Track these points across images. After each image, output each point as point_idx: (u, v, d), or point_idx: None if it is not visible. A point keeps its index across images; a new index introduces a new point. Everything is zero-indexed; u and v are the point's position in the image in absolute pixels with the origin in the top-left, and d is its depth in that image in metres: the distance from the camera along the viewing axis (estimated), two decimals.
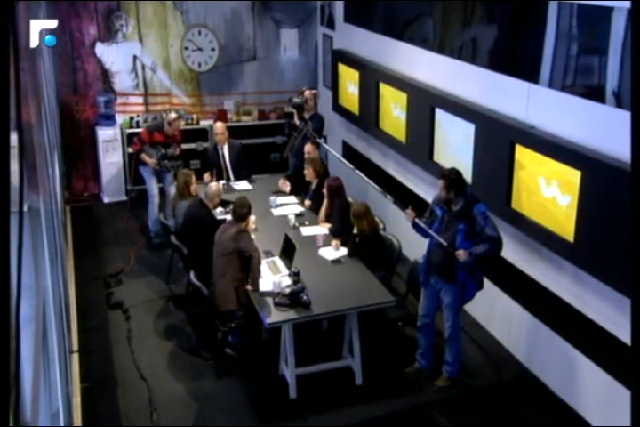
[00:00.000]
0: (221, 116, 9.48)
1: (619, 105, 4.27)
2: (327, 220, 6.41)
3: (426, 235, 5.08)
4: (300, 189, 7.19)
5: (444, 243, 4.88)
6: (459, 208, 4.88)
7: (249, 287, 5.26)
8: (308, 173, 6.77)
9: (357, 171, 6.30)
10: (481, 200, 4.93)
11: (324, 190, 6.32)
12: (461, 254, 4.82)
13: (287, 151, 7.99)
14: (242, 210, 5.41)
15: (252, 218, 6.38)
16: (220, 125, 7.82)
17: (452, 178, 4.86)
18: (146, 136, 7.63)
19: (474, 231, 4.83)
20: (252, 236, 6.00)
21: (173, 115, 7.74)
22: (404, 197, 6.72)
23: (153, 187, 7.82)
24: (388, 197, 5.67)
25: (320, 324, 5.86)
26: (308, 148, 7.08)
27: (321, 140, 7.46)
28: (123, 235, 8.12)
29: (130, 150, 8.23)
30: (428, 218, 5.11)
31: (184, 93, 9.53)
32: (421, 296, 5.31)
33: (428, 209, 5.18)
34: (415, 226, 5.13)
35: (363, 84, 7.81)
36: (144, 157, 7.63)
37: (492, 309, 6.00)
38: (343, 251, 5.83)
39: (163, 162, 7.65)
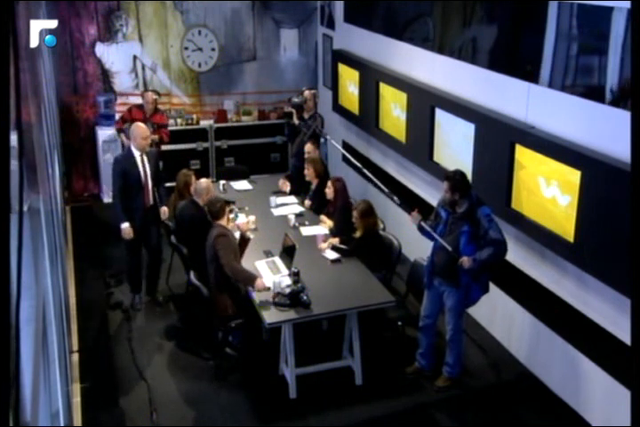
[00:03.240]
0: (221, 116, 9.49)
1: (619, 105, 4.27)
2: (329, 218, 6.40)
3: (431, 238, 5.07)
4: (299, 189, 7.19)
5: (449, 248, 4.87)
6: (463, 210, 4.87)
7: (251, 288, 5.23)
8: (309, 173, 6.77)
9: (365, 170, 6.28)
10: (483, 201, 4.93)
11: (328, 190, 6.29)
12: (465, 262, 4.81)
13: (296, 146, 7.86)
14: (215, 206, 5.39)
15: (252, 218, 6.39)
16: (145, 128, 6.30)
17: (456, 179, 4.85)
18: (127, 114, 7.69)
19: (478, 234, 4.81)
20: (252, 236, 6.00)
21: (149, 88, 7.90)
22: (404, 197, 6.72)
23: None
24: (395, 198, 5.65)
25: (320, 324, 5.86)
26: (308, 148, 7.08)
27: (328, 137, 7.39)
28: None
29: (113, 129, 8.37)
30: (434, 220, 5.10)
31: (184, 93, 9.53)
32: (424, 297, 5.30)
33: (434, 211, 5.17)
34: (421, 229, 5.12)
35: (363, 84, 7.81)
36: (122, 137, 7.63)
37: (493, 309, 6.00)
38: (336, 254, 5.81)
39: None
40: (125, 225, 6.05)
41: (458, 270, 4.89)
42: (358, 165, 6.41)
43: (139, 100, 9.25)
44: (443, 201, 5.01)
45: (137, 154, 6.10)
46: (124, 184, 6.05)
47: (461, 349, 5.32)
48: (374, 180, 6.10)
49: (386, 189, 5.86)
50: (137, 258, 6.44)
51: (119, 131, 7.73)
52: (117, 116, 8.30)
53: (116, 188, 6.10)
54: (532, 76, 5.00)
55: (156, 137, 7.53)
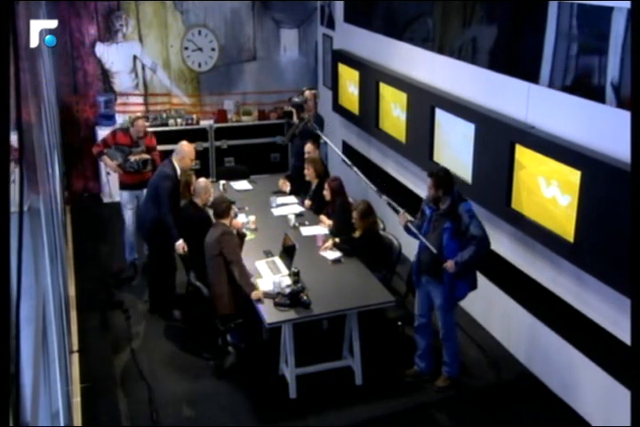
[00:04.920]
0: (221, 116, 9.49)
1: (619, 105, 4.27)
2: (328, 218, 6.41)
3: (418, 238, 5.12)
4: (300, 189, 7.19)
5: (435, 251, 4.91)
6: (446, 207, 4.90)
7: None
8: (309, 173, 6.77)
9: (355, 168, 6.29)
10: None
11: (325, 192, 6.31)
12: (449, 266, 4.85)
13: (287, 138, 7.74)
14: (221, 206, 5.40)
15: (252, 218, 6.39)
16: (193, 148, 6.40)
17: (440, 176, 4.89)
18: (110, 138, 6.95)
19: (460, 229, 4.84)
20: (252, 236, 6.01)
21: (138, 114, 6.98)
22: (404, 197, 6.72)
23: (125, 202, 7.05)
24: (383, 197, 5.65)
25: (320, 324, 5.86)
26: (308, 148, 7.07)
27: (323, 135, 7.29)
28: (123, 235, 8.12)
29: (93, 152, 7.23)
30: (419, 219, 5.13)
31: (184, 93, 9.53)
32: (416, 296, 5.34)
33: (420, 210, 5.19)
34: (407, 230, 5.17)
35: (363, 84, 7.81)
36: (105, 159, 6.93)
37: (492, 308, 6.00)
38: (338, 253, 5.80)
39: (127, 161, 6.80)
40: (181, 241, 5.90)
41: (441, 267, 4.93)
42: (348, 162, 6.39)
43: (139, 100, 9.29)
44: (428, 199, 5.04)
45: (179, 173, 6.17)
46: (170, 202, 6.03)
47: (456, 346, 5.30)
48: (362, 177, 6.11)
49: (374, 188, 5.87)
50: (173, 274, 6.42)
51: (100, 154, 6.96)
52: (98, 141, 7.42)
53: (169, 205, 6.01)
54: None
55: (148, 157, 7.01)
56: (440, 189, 4.87)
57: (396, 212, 5.31)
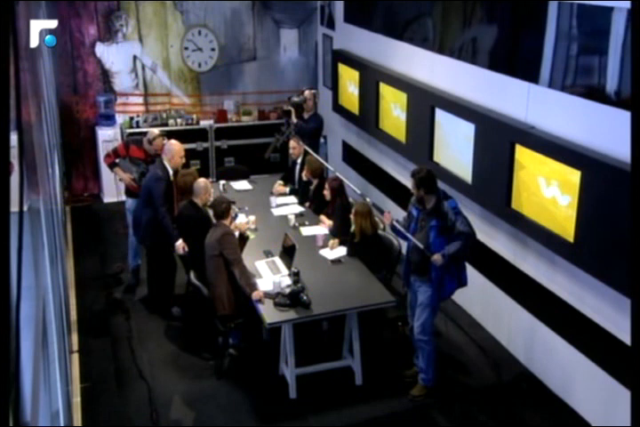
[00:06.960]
0: (221, 116, 9.49)
1: (619, 105, 4.27)
2: (328, 218, 6.40)
3: (404, 237, 5.14)
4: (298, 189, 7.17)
5: (421, 246, 4.92)
6: (431, 206, 4.92)
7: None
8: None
9: (338, 173, 6.36)
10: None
11: (325, 192, 6.30)
12: (437, 259, 4.85)
13: (269, 152, 7.76)
14: (221, 207, 5.40)
15: (252, 218, 6.38)
16: (181, 146, 6.30)
17: (420, 177, 4.90)
18: (122, 150, 6.71)
19: (446, 227, 4.86)
20: (252, 236, 6.01)
21: (156, 131, 6.70)
22: (404, 197, 6.71)
23: (129, 208, 6.80)
24: (367, 200, 5.65)
25: (320, 324, 5.86)
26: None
27: (307, 147, 7.24)
28: (123, 235, 8.12)
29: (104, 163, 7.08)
30: (407, 220, 5.14)
31: (184, 93, 9.54)
32: (407, 297, 5.35)
33: (407, 212, 5.20)
34: (393, 229, 5.19)
35: (363, 84, 7.81)
36: (118, 171, 6.70)
37: (492, 309, 6.00)
38: (343, 251, 5.82)
39: (143, 179, 6.40)
40: (180, 241, 5.87)
41: (429, 265, 4.93)
42: (330, 168, 6.41)
43: (139, 100, 9.29)
44: (413, 200, 5.06)
45: (171, 172, 6.14)
46: (165, 203, 6.02)
47: (433, 350, 5.19)
48: (345, 181, 6.19)
49: (358, 191, 5.89)
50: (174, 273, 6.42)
51: (112, 165, 6.74)
52: (109, 151, 7.01)
53: (165, 205, 6.00)
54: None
55: None
56: (422, 188, 4.89)
57: (381, 213, 5.34)
